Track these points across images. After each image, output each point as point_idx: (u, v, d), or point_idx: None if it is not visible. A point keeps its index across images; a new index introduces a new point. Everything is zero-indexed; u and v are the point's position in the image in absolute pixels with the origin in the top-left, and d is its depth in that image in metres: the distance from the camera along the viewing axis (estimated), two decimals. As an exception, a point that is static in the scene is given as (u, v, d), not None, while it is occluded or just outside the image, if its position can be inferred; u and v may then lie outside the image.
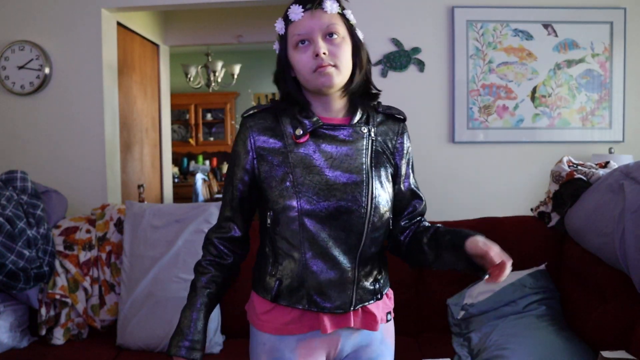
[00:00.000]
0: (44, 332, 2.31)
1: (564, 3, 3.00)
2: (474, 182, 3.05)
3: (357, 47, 1.30)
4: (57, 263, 2.39)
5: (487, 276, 1.19)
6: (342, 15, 1.28)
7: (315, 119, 1.27)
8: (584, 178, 2.18)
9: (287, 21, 1.27)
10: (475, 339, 2.06)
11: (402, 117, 1.38)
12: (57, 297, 2.33)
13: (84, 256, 2.43)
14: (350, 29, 1.29)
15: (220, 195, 6.90)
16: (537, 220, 2.38)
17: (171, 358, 1.32)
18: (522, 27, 2.99)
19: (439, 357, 2.01)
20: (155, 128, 4.33)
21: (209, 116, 7.91)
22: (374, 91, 1.35)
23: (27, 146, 3.16)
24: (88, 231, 2.48)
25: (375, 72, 3.03)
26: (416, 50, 3.02)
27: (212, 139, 7.95)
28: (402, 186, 1.36)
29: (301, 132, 1.26)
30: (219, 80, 6.27)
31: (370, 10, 3.01)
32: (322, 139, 1.27)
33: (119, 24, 3.50)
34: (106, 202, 3.07)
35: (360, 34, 1.32)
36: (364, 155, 1.27)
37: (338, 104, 1.30)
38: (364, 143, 1.28)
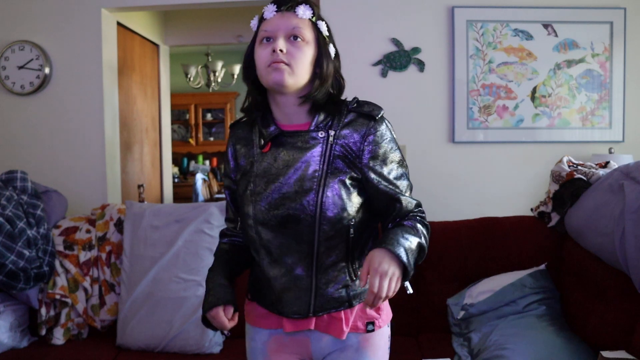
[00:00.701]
0: (44, 332, 2.31)
1: (564, 3, 3.00)
2: (474, 182, 3.05)
3: (321, 57, 1.27)
4: (57, 263, 2.39)
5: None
6: (314, 24, 1.28)
7: (273, 127, 1.29)
8: (584, 178, 2.18)
9: (261, 18, 1.30)
10: (475, 339, 2.06)
11: (372, 115, 1.26)
12: (57, 297, 2.33)
13: (84, 256, 2.43)
14: (319, 39, 1.28)
15: (220, 195, 6.92)
16: (537, 220, 2.38)
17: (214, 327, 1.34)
18: (522, 27, 2.99)
19: (439, 357, 2.01)
20: (155, 128, 4.33)
21: (209, 116, 7.91)
22: (340, 100, 1.31)
23: (27, 146, 3.16)
24: (88, 231, 2.48)
25: (375, 72, 3.03)
26: (416, 50, 3.02)
27: (212, 139, 7.95)
28: (376, 189, 1.27)
29: (262, 142, 1.29)
30: (219, 80, 6.27)
31: (370, 10, 3.00)
32: (282, 146, 1.28)
33: (119, 24, 3.50)
34: (106, 202, 3.07)
35: (332, 49, 1.30)
36: (319, 162, 1.25)
37: (296, 110, 1.29)
38: (320, 150, 1.25)
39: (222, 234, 1.47)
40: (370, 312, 1.34)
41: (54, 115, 3.14)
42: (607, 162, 2.29)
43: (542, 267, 2.22)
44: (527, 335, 1.95)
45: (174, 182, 6.56)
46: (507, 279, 2.18)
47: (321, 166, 1.25)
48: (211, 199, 6.89)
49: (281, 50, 1.22)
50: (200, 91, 7.23)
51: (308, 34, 1.26)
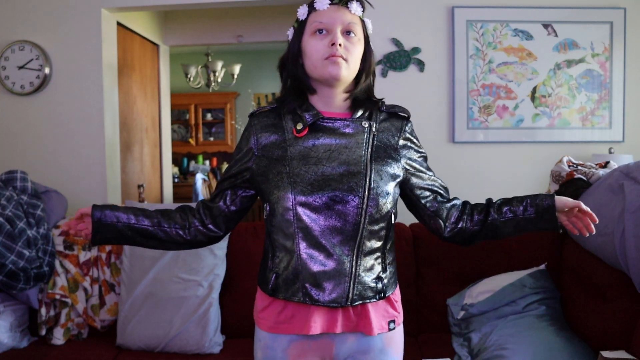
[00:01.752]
0: (44, 332, 2.31)
1: (564, 3, 3.00)
2: (474, 182, 3.05)
3: (368, 54, 1.35)
4: (57, 263, 2.39)
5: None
6: (362, 21, 1.34)
7: (315, 112, 1.30)
8: (584, 178, 2.18)
9: (311, 8, 1.31)
10: (475, 339, 2.06)
11: (405, 115, 1.38)
12: (57, 297, 2.33)
13: (83, 256, 2.43)
14: (366, 36, 1.35)
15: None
16: (537, 220, 2.38)
17: None
18: (522, 27, 2.99)
19: (439, 357, 2.01)
20: (155, 128, 4.33)
21: (209, 116, 7.91)
22: (374, 99, 1.37)
23: (27, 146, 3.16)
24: (88, 231, 2.48)
25: (375, 72, 3.02)
26: (416, 50, 3.02)
27: (212, 139, 7.95)
28: (421, 178, 1.38)
29: (301, 125, 1.29)
30: (219, 80, 6.26)
31: (370, 10, 2.99)
32: (322, 132, 1.29)
33: (119, 24, 3.50)
34: (106, 202, 3.07)
35: (372, 44, 1.37)
36: (363, 148, 1.28)
37: (340, 102, 1.33)
38: (364, 137, 1.30)
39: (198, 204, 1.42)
40: (391, 310, 1.35)
41: (54, 115, 3.14)
42: (607, 162, 2.29)
43: (542, 267, 2.22)
44: (527, 335, 1.95)
45: (174, 182, 6.56)
46: (507, 279, 2.18)
47: (366, 152, 1.28)
48: (211, 199, 6.88)
49: (340, 45, 1.25)
50: (200, 91, 7.23)
51: (359, 31, 1.32)
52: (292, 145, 1.28)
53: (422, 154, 1.41)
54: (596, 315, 1.94)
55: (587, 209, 1.31)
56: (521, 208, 1.37)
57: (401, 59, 3.02)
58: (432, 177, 1.41)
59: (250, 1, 3.30)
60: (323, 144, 1.28)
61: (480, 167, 3.05)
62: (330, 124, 1.30)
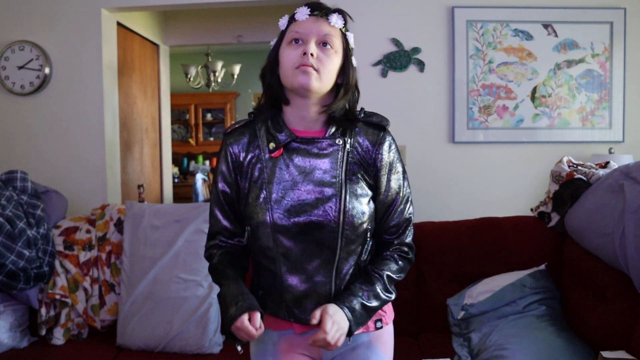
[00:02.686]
0: (44, 332, 2.31)
1: (564, 3, 3.00)
2: (474, 182, 3.05)
3: (346, 68, 1.30)
4: (57, 263, 2.39)
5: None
6: (343, 35, 1.30)
7: (288, 132, 1.28)
8: (584, 178, 2.18)
9: (292, 19, 1.30)
10: (475, 339, 2.06)
11: (383, 125, 1.33)
12: (57, 297, 2.33)
13: (84, 256, 2.43)
14: (346, 49, 1.31)
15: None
16: (537, 221, 2.38)
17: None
18: (522, 27, 2.99)
19: (439, 357, 2.01)
20: (155, 128, 4.33)
21: (209, 116, 7.91)
22: (352, 117, 1.33)
23: (27, 146, 3.16)
24: (88, 231, 2.48)
25: (375, 72, 3.03)
26: (416, 50, 3.02)
27: (212, 139, 7.95)
28: (380, 199, 1.32)
29: (274, 145, 1.28)
30: (219, 80, 6.26)
31: (370, 10, 3.01)
32: (296, 152, 1.28)
33: (119, 24, 3.50)
34: (106, 202, 3.07)
35: (354, 61, 1.33)
36: (337, 168, 1.27)
37: (315, 116, 1.30)
38: (338, 156, 1.28)
39: (210, 248, 1.39)
40: (378, 310, 1.36)
41: (54, 115, 3.14)
42: (607, 162, 2.29)
43: (542, 267, 2.22)
44: (527, 335, 1.95)
45: (174, 182, 6.56)
46: (507, 279, 2.18)
47: (340, 172, 1.27)
48: (211, 199, 6.88)
49: (312, 54, 1.23)
50: (200, 91, 7.24)
51: (337, 43, 1.28)
52: (268, 167, 1.27)
53: (397, 170, 1.34)
54: (596, 315, 1.94)
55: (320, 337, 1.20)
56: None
57: (401, 59, 3.02)
58: (388, 205, 1.33)
59: (250, 1, 3.30)
60: (297, 165, 1.27)
61: (480, 167, 3.05)
62: (304, 145, 1.28)
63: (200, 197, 6.72)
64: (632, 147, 3.04)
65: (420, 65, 3.02)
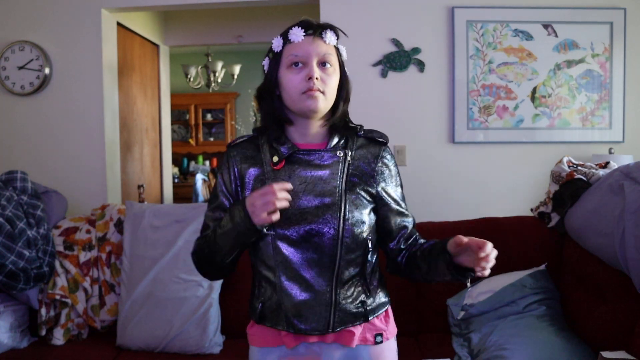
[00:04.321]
0: (44, 332, 2.31)
1: (564, 3, 3.00)
2: (474, 183, 3.05)
3: (344, 81, 1.35)
4: (57, 263, 2.39)
5: (469, 280, 1.21)
6: (336, 49, 1.33)
7: (290, 145, 1.31)
8: (584, 178, 2.18)
9: (286, 40, 1.30)
10: (475, 339, 2.06)
11: (383, 141, 1.38)
12: (57, 297, 2.33)
13: (84, 256, 2.43)
14: (341, 63, 1.34)
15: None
16: (537, 221, 2.38)
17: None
18: (522, 27, 2.99)
19: (439, 357, 2.01)
20: (155, 128, 4.33)
21: (209, 116, 7.91)
22: (352, 125, 1.38)
23: (27, 146, 3.16)
24: (88, 231, 2.48)
25: (375, 72, 3.03)
26: (416, 50, 3.02)
27: (212, 139, 7.94)
28: (389, 210, 1.36)
29: (277, 159, 1.30)
30: (219, 80, 6.26)
31: (370, 10, 3.01)
32: (298, 164, 1.31)
33: (119, 24, 3.50)
34: (106, 202, 3.07)
35: (347, 71, 1.37)
36: (338, 179, 1.30)
37: (317, 131, 1.34)
38: (339, 167, 1.31)
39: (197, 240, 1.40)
40: (379, 324, 1.36)
41: (54, 115, 3.14)
42: (607, 163, 2.29)
43: (542, 267, 2.22)
44: (527, 335, 1.95)
45: (174, 182, 6.56)
46: (507, 279, 2.18)
47: (340, 183, 1.29)
48: (211, 199, 6.87)
49: (317, 78, 1.26)
50: (200, 91, 7.23)
51: (335, 60, 1.31)
52: (270, 179, 1.30)
53: (398, 183, 1.40)
54: (596, 315, 1.94)
55: (478, 242, 1.16)
56: (434, 245, 1.31)
57: (401, 59, 3.02)
58: (402, 211, 1.38)
59: (250, 1, 3.30)
60: (299, 176, 1.29)
61: (480, 168, 3.05)
62: (305, 157, 1.31)
63: (200, 198, 6.72)
64: (632, 147, 3.04)
65: (420, 65, 3.02)
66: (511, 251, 2.32)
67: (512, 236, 2.33)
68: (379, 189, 1.35)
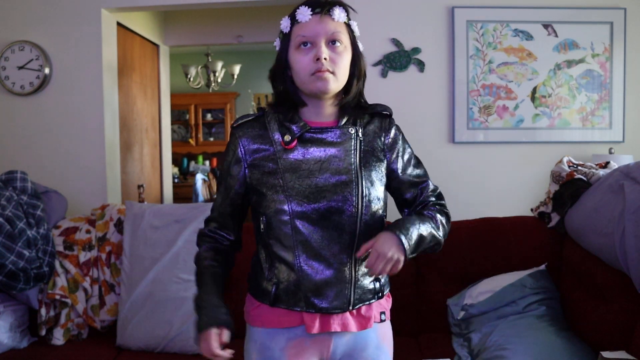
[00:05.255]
0: (43, 332, 2.31)
1: (564, 3, 3.00)
2: (474, 183, 3.05)
3: (357, 58, 1.33)
4: (57, 263, 2.39)
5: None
6: (347, 25, 1.30)
7: (302, 123, 1.30)
8: (584, 178, 2.18)
9: (294, 21, 1.28)
10: (475, 339, 2.06)
11: (387, 113, 1.38)
12: (57, 297, 2.33)
13: (83, 256, 2.43)
14: (353, 40, 1.32)
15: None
16: (537, 221, 2.38)
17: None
18: (522, 27, 2.99)
19: (439, 357, 2.01)
20: (155, 128, 4.33)
21: (209, 116, 7.91)
22: (364, 104, 1.37)
23: (27, 146, 3.16)
24: (88, 231, 2.48)
25: (375, 72, 3.03)
26: (416, 50, 3.02)
27: (212, 139, 7.95)
28: (401, 179, 1.37)
29: (289, 137, 1.28)
30: (219, 80, 6.26)
31: (370, 10, 3.01)
32: (311, 142, 1.29)
33: (119, 24, 3.50)
34: (106, 202, 3.07)
35: (360, 46, 1.35)
36: (352, 156, 1.29)
37: (329, 110, 1.33)
38: (352, 144, 1.30)
39: (202, 235, 1.40)
40: (384, 302, 1.38)
41: (54, 115, 3.14)
42: (607, 163, 2.29)
43: (542, 267, 2.22)
44: (527, 335, 1.95)
45: (174, 182, 6.56)
46: (507, 279, 2.18)
47: (355, 159, 1.29)
48: (211, 199, 6.88)
49: (325, 59, 1.24)
50: (200, 91, 7.24)
51: (345, 38, 1.28)
52: (282, 157, 1.28)
53: (409, 153, 1.40)
54: (596, 315, 1.94)
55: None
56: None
57: (401, 59, 3.02)
58: (414, 181, 1.39)
59: (250, 1, 3.30)
60: (313, 155, 1.28)
61: (480, 168, 3.05)
62: (318, 135, 1.30)
63: (200, 198, 6.71)
64: (632, 147, 3.04)
65: (420, 65, 3.02)
66: (511, 251, 2.32)
67: (512, 236, 2.33)
68: (391, 162, 1.35)
